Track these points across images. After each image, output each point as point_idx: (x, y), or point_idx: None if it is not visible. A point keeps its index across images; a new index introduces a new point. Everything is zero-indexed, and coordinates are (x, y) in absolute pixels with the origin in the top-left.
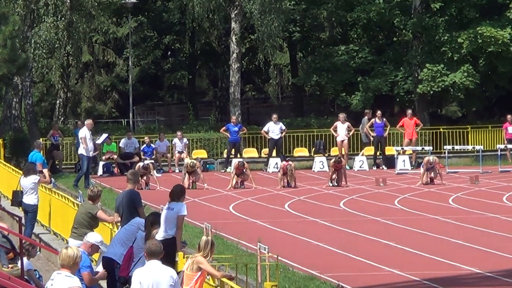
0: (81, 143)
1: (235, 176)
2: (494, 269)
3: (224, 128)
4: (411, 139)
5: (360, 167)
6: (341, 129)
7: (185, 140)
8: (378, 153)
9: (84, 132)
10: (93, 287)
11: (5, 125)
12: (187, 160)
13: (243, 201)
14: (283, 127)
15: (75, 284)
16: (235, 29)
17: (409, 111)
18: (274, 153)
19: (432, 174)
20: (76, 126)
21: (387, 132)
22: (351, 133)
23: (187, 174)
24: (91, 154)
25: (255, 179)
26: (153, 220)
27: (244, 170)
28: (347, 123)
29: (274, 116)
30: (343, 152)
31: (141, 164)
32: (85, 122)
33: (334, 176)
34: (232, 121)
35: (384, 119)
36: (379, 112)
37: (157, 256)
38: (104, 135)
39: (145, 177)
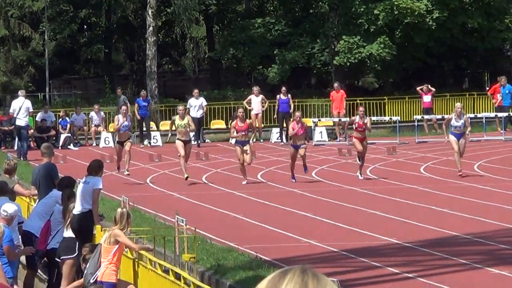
0: None
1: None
2: (412, 239)
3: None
4: (339, 112)
5: (277, 139)
6: (255, 102)
7: (102, 113)
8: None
9: None
10: (14, 262)
11: None
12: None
13: (160, 174)
14: (205, 103)
15: None
16: (151, 2)
17: (336, 84)
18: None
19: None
20: None
21: (292, 108)
22: (265, 106)
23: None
24: None
25: (170, 152)
26: (70, 194)
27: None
28: (261, 96)
29: (195, 91)
30: (257, 125)
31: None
32: None
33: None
34: (141, 95)
35: (289, 95)
36: (283, 88)
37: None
38: None
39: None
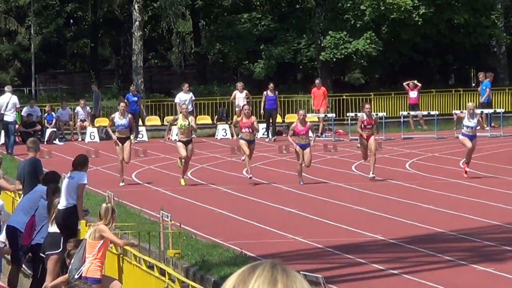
0: None
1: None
2: (397, 236)
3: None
4: (318, 109)
5: (263, 134)
6: (240, 98)
7: (87, 108)
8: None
9: None
10: None
11: None
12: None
13: (145, 169)
14: (193, 97)
15: None
16: None
17: (317, 81)
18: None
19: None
20: None
21: (278, 105)
22: (250, 101)
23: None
24: None
25: (156, 147)
26: (55, 189)
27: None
28: (245, 92)
29: (185, 85)
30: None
31: None
32: None
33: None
34: (131, 91)
35: (276, 92)
36: (271, 85)
37: None
38: None
39: None
